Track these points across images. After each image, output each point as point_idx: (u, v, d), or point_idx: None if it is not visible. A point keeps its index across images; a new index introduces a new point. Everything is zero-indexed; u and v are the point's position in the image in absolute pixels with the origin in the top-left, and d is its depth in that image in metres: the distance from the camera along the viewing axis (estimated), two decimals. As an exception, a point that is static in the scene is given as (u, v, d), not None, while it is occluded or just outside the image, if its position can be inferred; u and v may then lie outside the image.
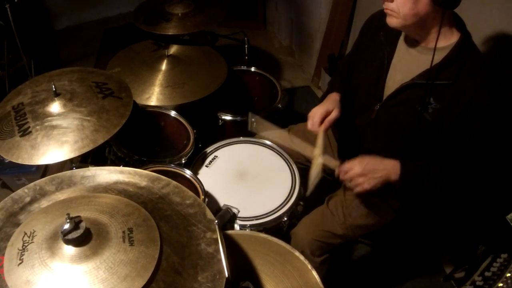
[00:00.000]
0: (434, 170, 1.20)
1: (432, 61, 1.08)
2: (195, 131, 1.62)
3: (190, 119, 1.67)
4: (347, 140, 1.49)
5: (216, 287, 0.76)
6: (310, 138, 1.35)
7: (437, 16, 1.05)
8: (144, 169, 1.01)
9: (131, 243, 0.76)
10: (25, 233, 0.77)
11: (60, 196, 0.90)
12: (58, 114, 1.21)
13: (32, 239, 0.76)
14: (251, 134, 1.68)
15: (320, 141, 1.27)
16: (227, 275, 0.78)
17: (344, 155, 1.51)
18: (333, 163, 1.23)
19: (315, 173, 1.25)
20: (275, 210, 1.36)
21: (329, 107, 1.30)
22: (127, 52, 1.88)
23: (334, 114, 1.29)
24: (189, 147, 1.56)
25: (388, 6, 1.07)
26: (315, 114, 1.30)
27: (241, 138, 1.63)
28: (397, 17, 1.07)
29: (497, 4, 1.40)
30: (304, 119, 1.42)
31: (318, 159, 1.25)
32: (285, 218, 1.36)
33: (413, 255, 1.88)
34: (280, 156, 1.55)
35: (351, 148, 1.44)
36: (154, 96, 1.66)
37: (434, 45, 1.07)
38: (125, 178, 0.96)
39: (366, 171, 1.17)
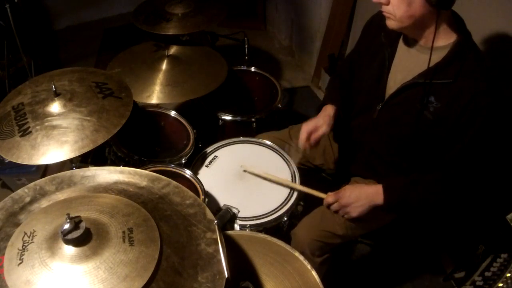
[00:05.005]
0: (426, 182, 1.21)
1: (429, 60, 1.09)
2: (195, 131, 1.62)
3: (190, 119, 1.67)
4: (347, 140, 1.49)
5: (216, 287, 0.76)
6: None
7: (433, 16, 1.05)
8: (144, 169, 1.00)
9: (131, 243, 0.76)
10: (25, 233, 0.77)
11: (60, 196, 0.90)
12: (58, 114, 1.21)
13: (32, 239, 0.76)
14: (251, 135, 1.69)
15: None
16: (227, 275, 0.78)
17: (345, 156, 1.52)
18: (321, 194, 1.35)
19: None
20: (275, 210, 1.35)
21: (318, 123, 1.35)
22: (127, 54, 1.88)
23: (321, 130, 1.34)
24: (189, 147, 1.56)
25: (385, 9, 1.09)
26: (302, 131, 1.36)
27: (241, 138, 1.63)
28: (394, 19, 1.09)
29: (496, 3, 1.40)
30: (304, 119, 1.43)
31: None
32: (285, 218, 1.36)
33: (413, 255, 1.88)
34: (280, 156, 1.55)
35: (352, 148, 1.45)
36: (154, 95, 1.66)
37: (431, 45, 1.07)
38: (125, 178, 0.96)
39: (350, 201, 1.26)
